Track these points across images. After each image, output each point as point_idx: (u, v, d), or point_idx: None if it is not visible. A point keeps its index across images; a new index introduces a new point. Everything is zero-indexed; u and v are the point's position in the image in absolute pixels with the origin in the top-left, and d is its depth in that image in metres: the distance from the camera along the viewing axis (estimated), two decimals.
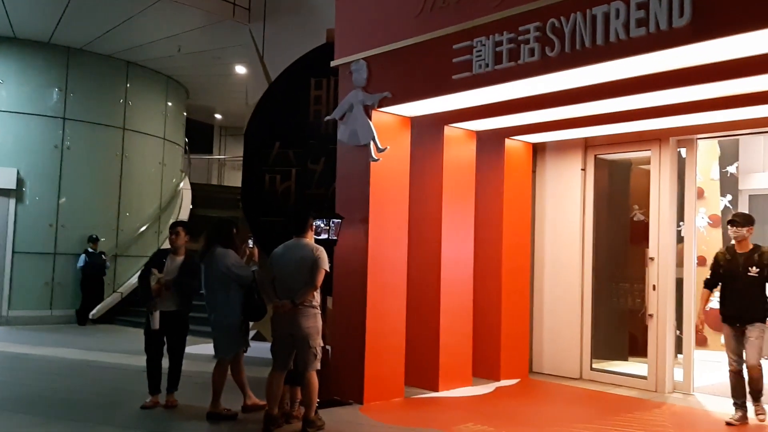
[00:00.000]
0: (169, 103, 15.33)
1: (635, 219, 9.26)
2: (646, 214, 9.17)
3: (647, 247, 7.94)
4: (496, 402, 7.02)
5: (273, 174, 10.72)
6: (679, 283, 7.67)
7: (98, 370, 8.32)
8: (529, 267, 8.37)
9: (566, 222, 8.39)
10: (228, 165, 21.10)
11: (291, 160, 10.61)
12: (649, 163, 8.78)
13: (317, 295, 5.57)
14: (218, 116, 19.79)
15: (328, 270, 5.57)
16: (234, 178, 20.82)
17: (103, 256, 13.12)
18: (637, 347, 8.80)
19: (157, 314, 6.16)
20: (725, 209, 10.48)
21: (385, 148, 6.60)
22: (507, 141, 8.06)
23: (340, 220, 6.54)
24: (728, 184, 10.97)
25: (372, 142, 6.62)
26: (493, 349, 7.88)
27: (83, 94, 13.38)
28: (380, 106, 6.66)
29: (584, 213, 8.30)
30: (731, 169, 10.77)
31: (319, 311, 5.56)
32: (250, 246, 6.10)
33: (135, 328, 12.08)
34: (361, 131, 6.70)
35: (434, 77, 6.15)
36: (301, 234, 5.68)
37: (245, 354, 6.19)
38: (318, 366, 5.51)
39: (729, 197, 10.83)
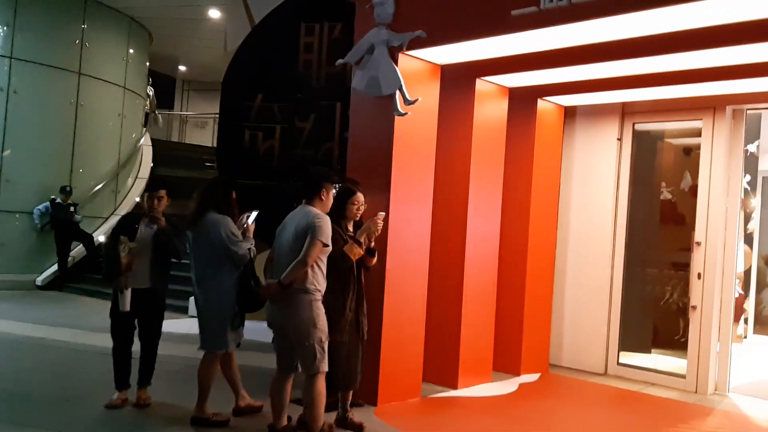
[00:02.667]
0: (131, 50, 13.75)
1: (664, 198, 8.35)
2: (674, 193, 8.30)
3: (681, 229, 7.06)
4: (522, 404, 6.03)
5: (254, 131, 9.49)
6: None
7: (49, 350, 7.01)
8: (554, 247, 7.37)
9: (597, 198, 7.40)
10: (190, 122, 19.60)
11: (276, 115, 9.39)
12: (685, 136, 7.93)
13: (318, 277, 4.32)
14: (182, 68, 18.24)
15: (327, 243, 4.30)
16: (197, 137, 19.43)
17: (72, 209, 11.64)
18: (661, 339, 7.97)
19: (127, 293, 4.94)
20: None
21: (416, 99, 5.44)
22: (540, 102, 6.99)
23: None
24: (747, 164, 10.18)
25: (398, 93, 5.45)
26: (514, 341, 6.89)
27: (33, 31, 11.73)
28: (409, 48, 5.49)
29: (618, 189, 7.32)
30: (752, 147, 9.96)
31: (317, 297, 4.31)
32: (250, 220, 4.87)
33: (89, 298, 10.80)
34: (385, 79, 5.51)
35: (486, 13, 4.99)
36: (309, 200, 4.51)
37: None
38: (322, 368, 4.31)
39: (748, 177, 10.04)
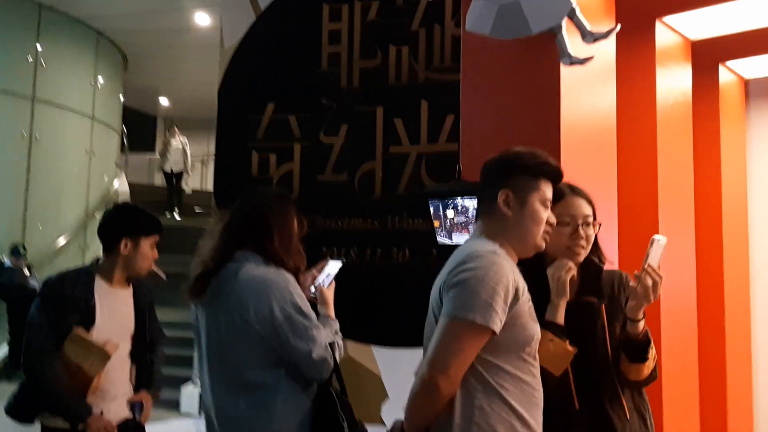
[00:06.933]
0: (101, 73, 11.29)
1: None
2: None
3: None
4: None
5: (265, 152, 7.03)
6: None
7: None
8: (748, 289, 4.85)
9: None
10: None
11: (293, 130, 6.98)
12: None
13: (495, 414, 1.76)
14: (164, 101, 15.78)
15: (487, 324, 1.74)
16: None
17: (27, 272, 8.91)
18: None
19: None
20: None
21: (611, 29, 2.93)
22: (721, 71, 4.55)
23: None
24: None
25: (568, 22, 2.96)
26: (717, 415, 4.31)
27: None
28: None
29: None
30: None
31: None
32: (326, 279, 2.23)
33: None
34: (536, 4, 3.03)
35: None
36: (482, 221, 2.00)
37: None
38: None
39: None
